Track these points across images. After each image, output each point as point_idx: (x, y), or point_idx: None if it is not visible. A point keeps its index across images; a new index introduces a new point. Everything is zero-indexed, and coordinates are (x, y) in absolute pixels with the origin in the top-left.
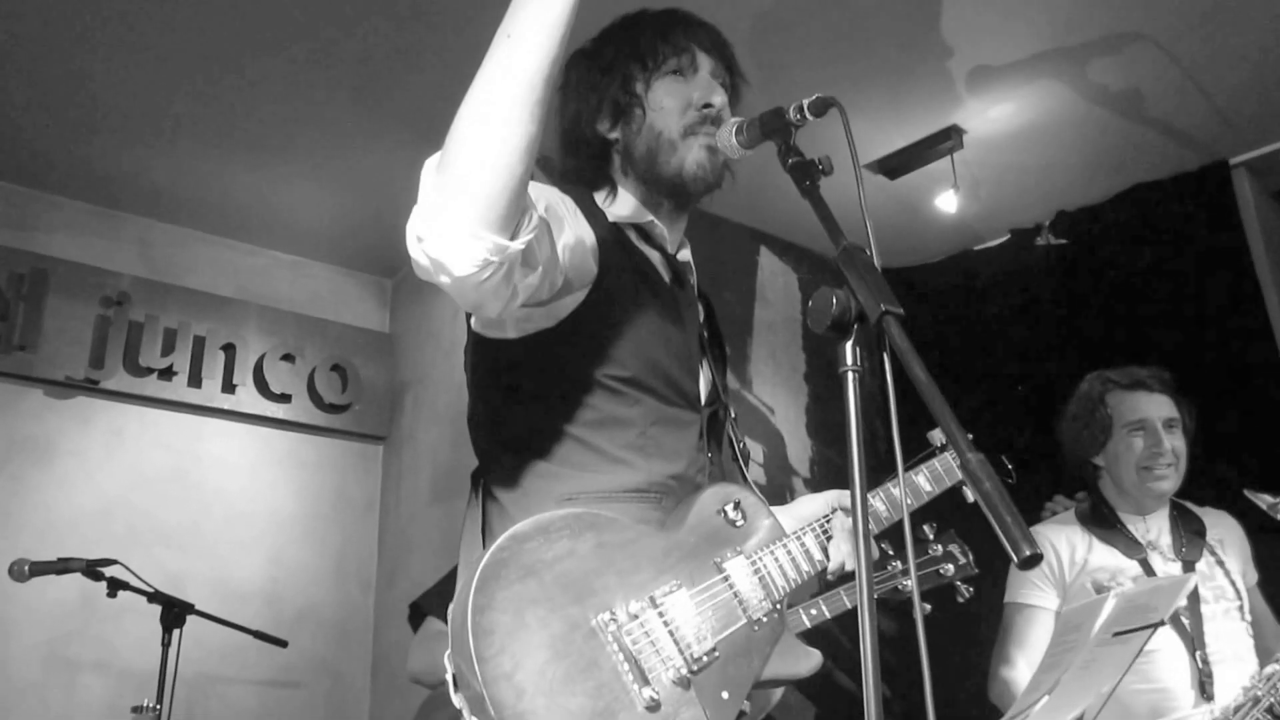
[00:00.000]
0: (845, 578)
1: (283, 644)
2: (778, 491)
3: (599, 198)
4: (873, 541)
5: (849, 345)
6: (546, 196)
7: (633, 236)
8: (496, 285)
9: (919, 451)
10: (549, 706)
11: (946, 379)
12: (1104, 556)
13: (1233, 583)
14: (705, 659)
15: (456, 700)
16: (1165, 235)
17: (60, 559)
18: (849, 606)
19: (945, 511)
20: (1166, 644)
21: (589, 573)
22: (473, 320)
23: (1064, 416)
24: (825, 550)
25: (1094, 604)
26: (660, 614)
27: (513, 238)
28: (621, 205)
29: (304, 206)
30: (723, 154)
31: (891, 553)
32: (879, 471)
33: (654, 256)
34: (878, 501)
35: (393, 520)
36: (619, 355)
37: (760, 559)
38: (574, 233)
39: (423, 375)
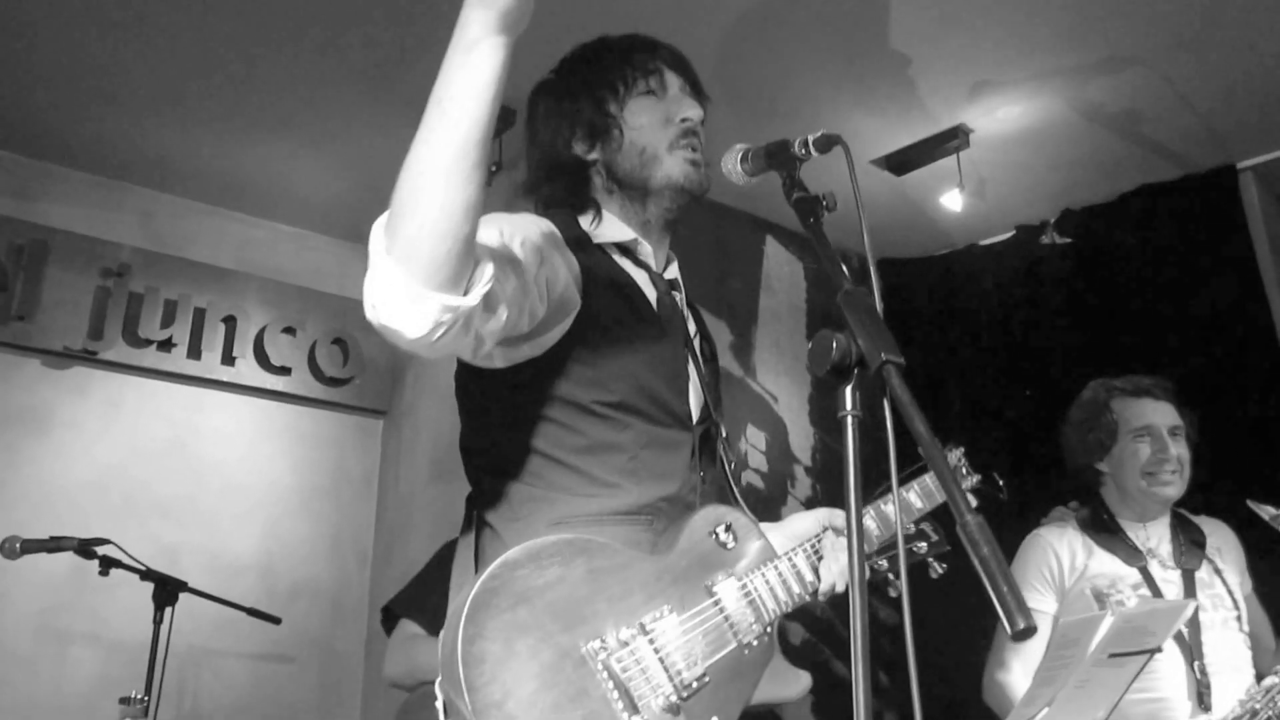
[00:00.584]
0: (836, 599)
1: (276, 620)
2: (779, 480)
3: (583, 220)
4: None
5: (848, 390)
6: (524, 230)
7: (618, 257)
8: (455, 338)
9: (910, 460)
10: None
11: (945, 373)
12: (1103, 563)
13: (1230, 592)
14: (695, 685)
15: None
16: (1171, 237)
17: (52, 538)
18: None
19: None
20: (1165, 653)
21: (580, 600)
22: None
23: (1067, 422)
24: (816, 571)
25: (1092, 620)
26: (650, 640)
27: (465, 293)
28: (606, 226)
29: (307, 179)
30: (703, 164)
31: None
32: (872, 485)
33: (640, 276)
34: (869, 520)
35: (391, 495)
36: (606, 381)
37: (751, 581)
38: (554, 264)
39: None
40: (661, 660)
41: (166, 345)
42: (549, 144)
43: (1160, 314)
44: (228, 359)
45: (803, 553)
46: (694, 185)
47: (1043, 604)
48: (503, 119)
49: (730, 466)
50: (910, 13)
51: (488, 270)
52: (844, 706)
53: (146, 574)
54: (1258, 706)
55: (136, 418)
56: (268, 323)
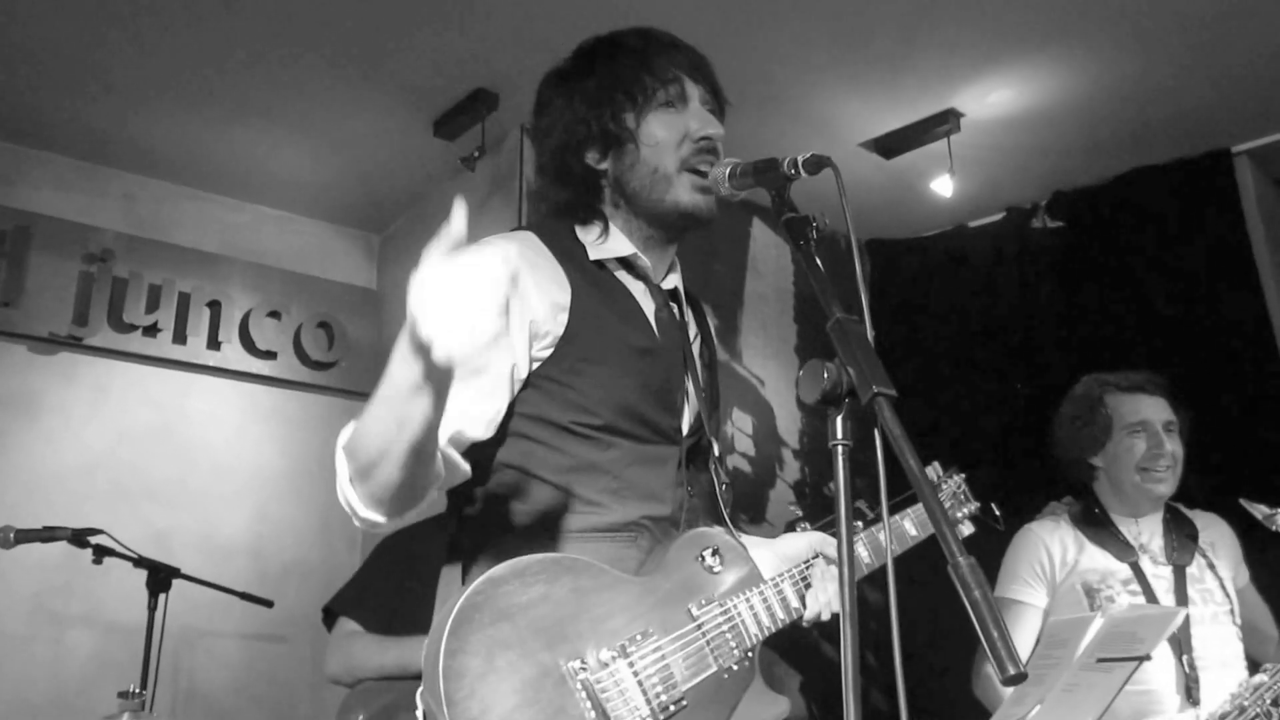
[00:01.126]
0: (823, 626)
1: (268, 604)
2: (767, 463)
3: (588, 233)
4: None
5: (839, 419)
6: (490, 331)
7: (616, 270)
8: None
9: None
10: None
11: (933, 355)
12: (1095, 558)
13: (1223, 586)
14: (673, 708)
15: None
16: (1164, 220)
17: (46, 528)
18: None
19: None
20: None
21: (563, 618)
22: None
23: (1060, 416)
24: (803, 598)
25: (1082, 621)
26: (630, 663)
27: (415, 509)
28: (612, 242)
29: (291, 162)
30: (715, 192)
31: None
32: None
33: (637, 288)
34: (861, 548)
35: None
36: (591, 404)
37: (735, 606)
38: (526, 314)
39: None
40: (640, 683)
41: (152, 330)
42: (560, 148)
43: (1152, 299)
44: (213, 343)
45: (789, 579)
46: (702, 214)
47: (1033, 598)
48: (485, 103)
49: (721, 487)
50: None
51: (439, 477)
52: (833, 679)
53: (139, 562)
54: (1246, 703)
55: (124, 403)
56: (253, 307)
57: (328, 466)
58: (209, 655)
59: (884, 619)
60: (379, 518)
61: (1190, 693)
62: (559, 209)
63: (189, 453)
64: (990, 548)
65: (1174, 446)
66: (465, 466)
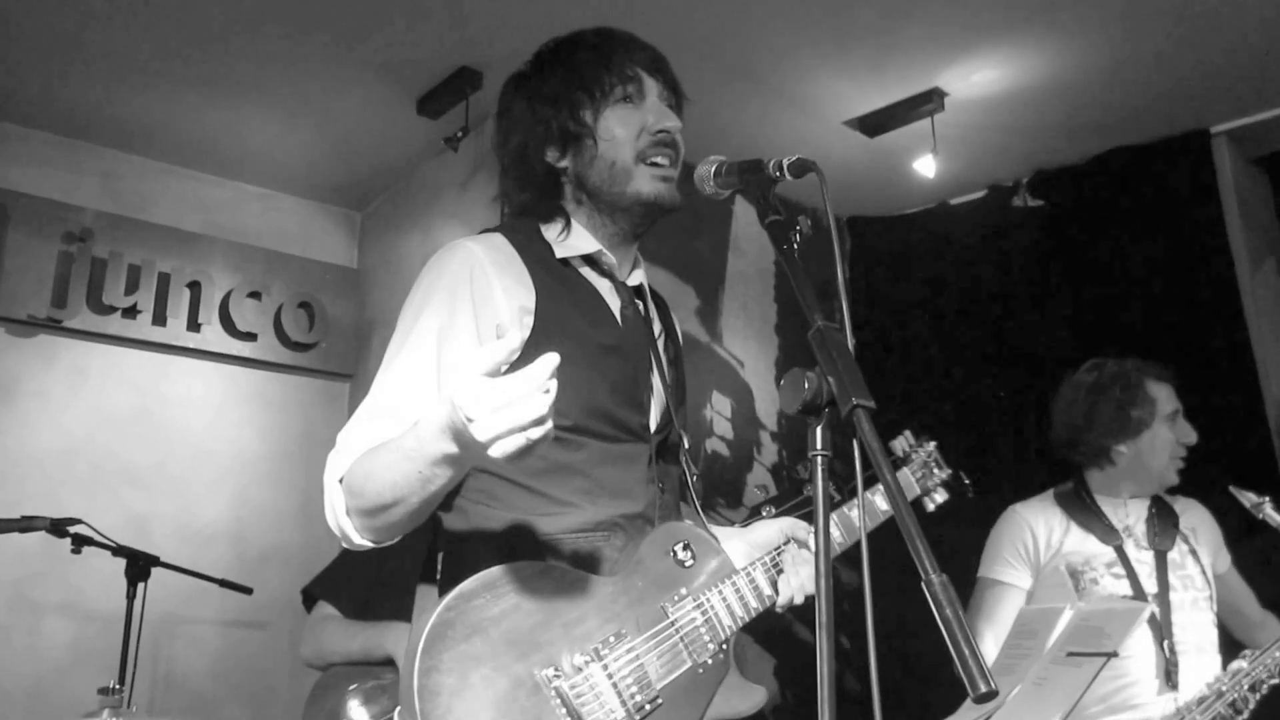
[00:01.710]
0: (797, 610)
1: (248, 591)
2: (745, 446)
3: (550, 231)
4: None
5: (819, 429)
6: (454, 308)
7: (580, 267)
8: None
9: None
10: None
11: (912, 332)
12: (1079, 541)
13: (1203, 572)
14: (649, 707)
15: None
16: (1142, 200)
17: (24, 517)
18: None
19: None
20: (1135, 633)
21: (534, 627)
22: None
23: (1089, 396)
24: (775, 584)
25: (1052, 612)
26: (604, 665)
27: None
28: (573, 237)
29: (273, 138)
30: (674, 179)
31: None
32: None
33: (603, 285)
34: (833, 529)
35: None
36: (561, 405)
37: (708, 599)
38: (492, 319)
39: (390, 316)
40: (615, 684)
41: (131, 312)
42: (520, 148)
43: (1129, 278)
44: (193, 325)
45: (761, 566)
46: (664, 202)
47: (1017, 579)
48: (469, 82)
49: (692, 479)
50: None
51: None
52: (804, 661)
53: (118, 550)
54: (1224, 688)
55: (103, 386)
56: (233, 287)
57: (309, 450)
58: (188, 642)
59: (857, 600)
60: (371, 543)
61: (1170, 676)
62: (523, 209)
63: (168, 436)
64: (968, 515)
65: None
66: None
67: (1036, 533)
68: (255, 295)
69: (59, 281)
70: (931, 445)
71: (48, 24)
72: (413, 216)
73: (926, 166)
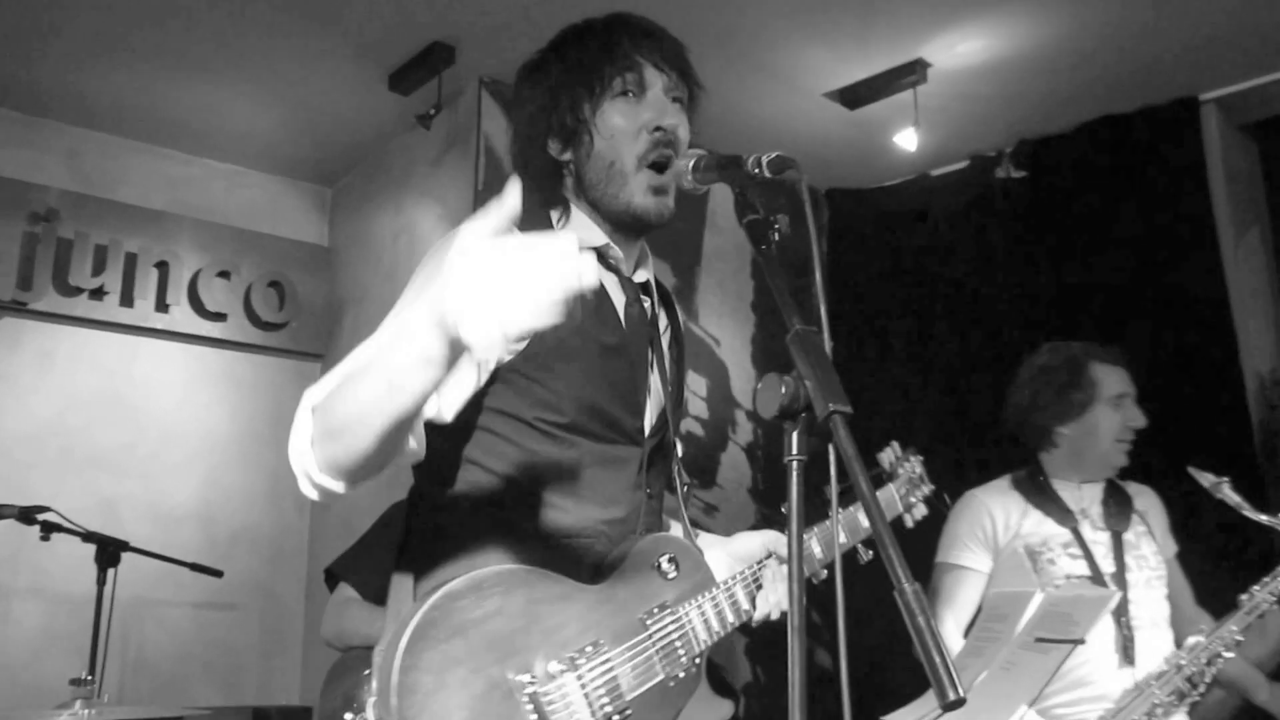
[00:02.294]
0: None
1: (218, 574)
2: (720, 426)
3: (555, 220)
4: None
5: (795, 434)
6: None
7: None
8: None
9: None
10: None
11: (892, 306)
12: (1036, 523)
13: (1157, 552)
14: (617, 717)
15: None
16: (1128, 169)
17: None
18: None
19: None
20: (1102, 618)
21: (515, 631)
22: None
23: (1035, 381)
24: (753, 600)
25: (1021, 596)
26: (578, 675)
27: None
28: (578, 229)
29: (241, 114)
30: (671, 193)
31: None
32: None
33: (609, 280)
34: (814, 543)
35: None
36: (556, 400)
37: (686, 613)
38: None
39: (362, 294)
40: (586, 694)
41: (98, 293)
42: (525, 138)
43: (1113, 248)
44: (161, 306)
45: (741, 582)
46: (652, 219)
47: (976, 563)
48: (441, 57)
49: (681, 489)
50: None
51: (408, 453)
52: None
53: (88, 536)
54: (1182, 662)
55: (70, 369)
56: (202, 266)
57: (279, 430)
58: (158, 624)
59: (827, 599)
60: (334, 485)
61: (1127, 653)
62: (531, 200)
63: (137, 419)
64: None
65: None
66: (422, 449)
67: (995, 516)
68: (224, 274)
69: (24, 263)
70: (918, 459)
71: (12, 4)
72: (385, 193)
73: (908, 140)
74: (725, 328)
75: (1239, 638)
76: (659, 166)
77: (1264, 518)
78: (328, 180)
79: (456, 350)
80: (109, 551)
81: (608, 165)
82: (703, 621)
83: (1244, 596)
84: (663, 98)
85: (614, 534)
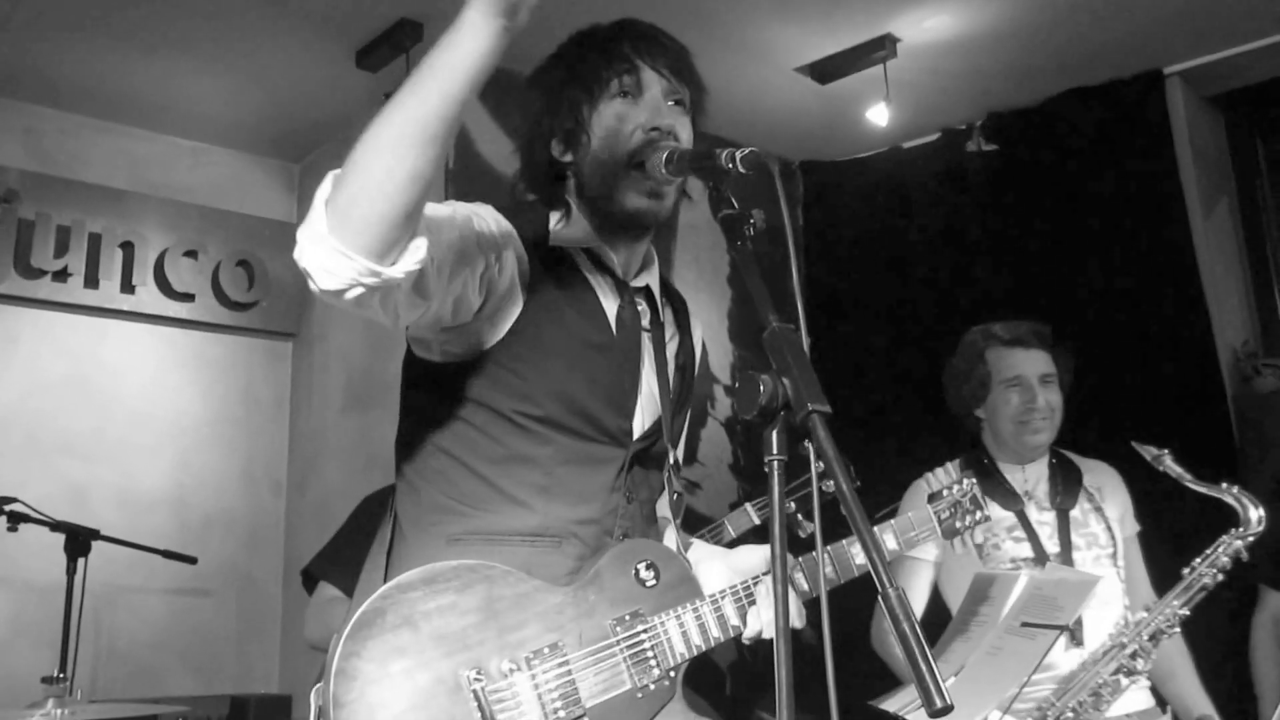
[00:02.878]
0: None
1: (192, 561)
2: (698, 401)
3: (553, 219)
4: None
5: (775, 433)
6: (479, 222)
7: (582, 262)
8: (368, 303)
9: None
10: None
11: (866, 276)
12: None
13: (1108, 529)
14: None
15: None
16: (1095, 142)
17: None
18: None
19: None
20: (1087, 603)
21: (468, 628)
22: (407, 335)
23: (947, 370)
24: (744, 615)
25: (1006, 579)
26: (532, 676)
27: (392, 264)
28: (573, 229)
29: (205, 91)
30: (664, 195)
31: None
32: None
33: (603, 283)
34: (827, 566)
35: (303, 422)
36: (534, 393)
37: (663, 623)
38: (505, 262)
39: None
40: (539, 696)
41: (62, 275)
42: (529, 139)
43: (1082, 221)
44: (127, 287)
45: (731, 596)
46: (645, 219)
47: (923, 552)
48: (409, 34)
49: (673, 498)
50: None
51: (420, 250)
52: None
53: (56, 526)
54: (1125, 640)
55: (35, 353)
56: (168, 246)
57: (251, 412)
58: (131, 612)
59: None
60: (342, 245)
61: (1074, 634)
62: (534, 200)
63: (105, 403)
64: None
65: (1050, 398)
66: (425, 248)
67: None
68: (191, 254)
69: None
70: (970, 483)
71: None
72: None
73: (879, 115)
74: (701, 303)
75: (1182, 612)
76: (649, 174)
77: (1203, 488)
78: (295, 156)
79: (480, 7)
80: (79, 540)
81: (601, 165)
82: (681, 633)
83: (1186, 570)
84: (660, 99)
85: (586, 535)
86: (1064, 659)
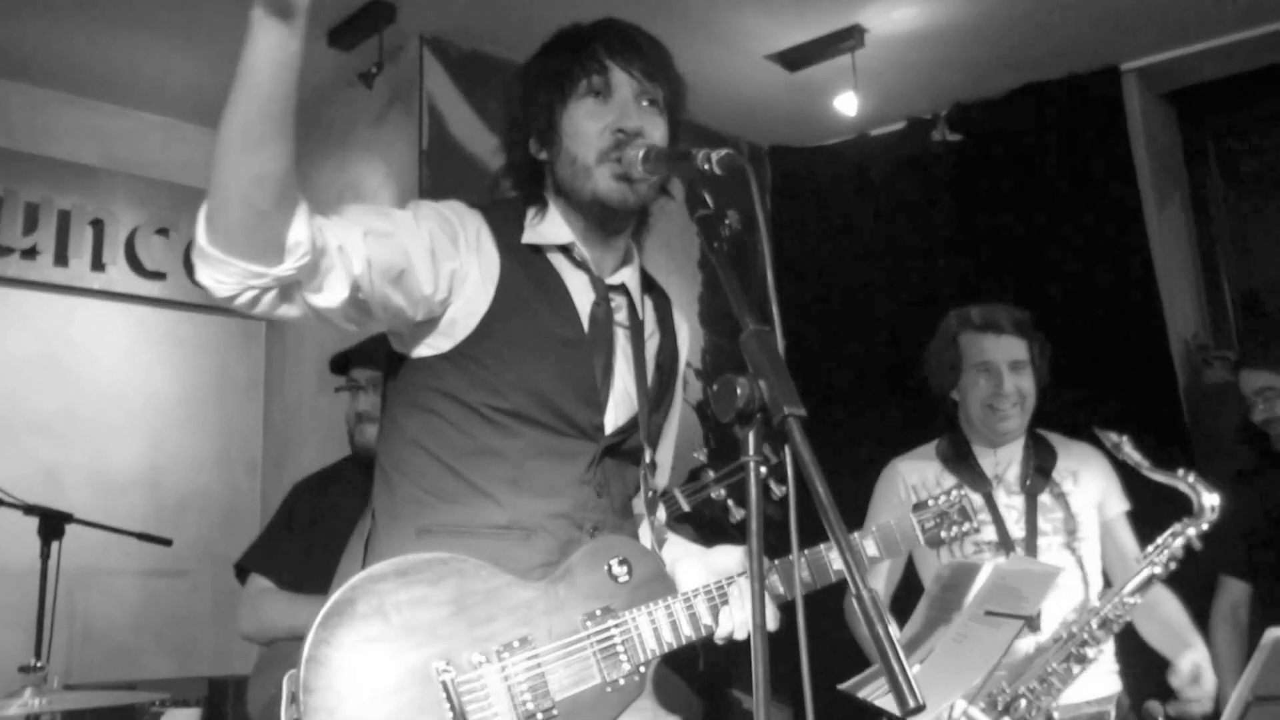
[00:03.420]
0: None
1: (167, 542)
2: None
3: (528, 215)
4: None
5: (751, 435)
6: (431, 221)
7: (555, 258)
8: (274, 305)
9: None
10: None
11: (836, 257)
12: None
13: (1074, 515)
14: (541, 716)
15: (289, 717)
16: (1054, 135)
17: None
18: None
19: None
20: (1050, 594)
21: (438, 620)
22: (386, 330)
23: (928, 347)
24: (716, 615)
25: (971, 567)
26: (501, 667)
27: (277, 263)
28: (548, 226)
29: (175, 66)
30: (633, 179)
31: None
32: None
33: (576, 279)
34: (804, 570)
35: (278, 400)
36: (502, 387)
37: (634, 619)
38: (456, 263)
39: None
40: (509, 688)
41: (31, 253)
42: (508, 137)
43: (1041, 212)
44: (98, 265)
45: (704, 595)
46: (615, 203)
47: None
48: (382, 15)
49: (648, 494)
50: None
51: (300, 246)
52: None
53: (29, 510)
54: (1075, 630)
55: (4, 332)
56: (139, 224)
57: (225, 391)
58: (106, 595)
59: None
60: (220, 252)
61: (1030, 621)
62: (512, 196)
63: (76, 382)
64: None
65: (1020, 384)
66: (305, 242)
67: (911, 486)
68: (163, 232)
69: None
70: (959, 494)
71: None
72: (326, 148)
73: (847, 104)
74: (672, 286)
75: (1131, 600)
76: (618, 164)
77: (1160, 475)
78: None
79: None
80: (53, 524)
81: (572, 161)
82: (652, 629)
83: (1138, 558)
84: (630, 101)
85: (555, 528)
86: (1019, 645)
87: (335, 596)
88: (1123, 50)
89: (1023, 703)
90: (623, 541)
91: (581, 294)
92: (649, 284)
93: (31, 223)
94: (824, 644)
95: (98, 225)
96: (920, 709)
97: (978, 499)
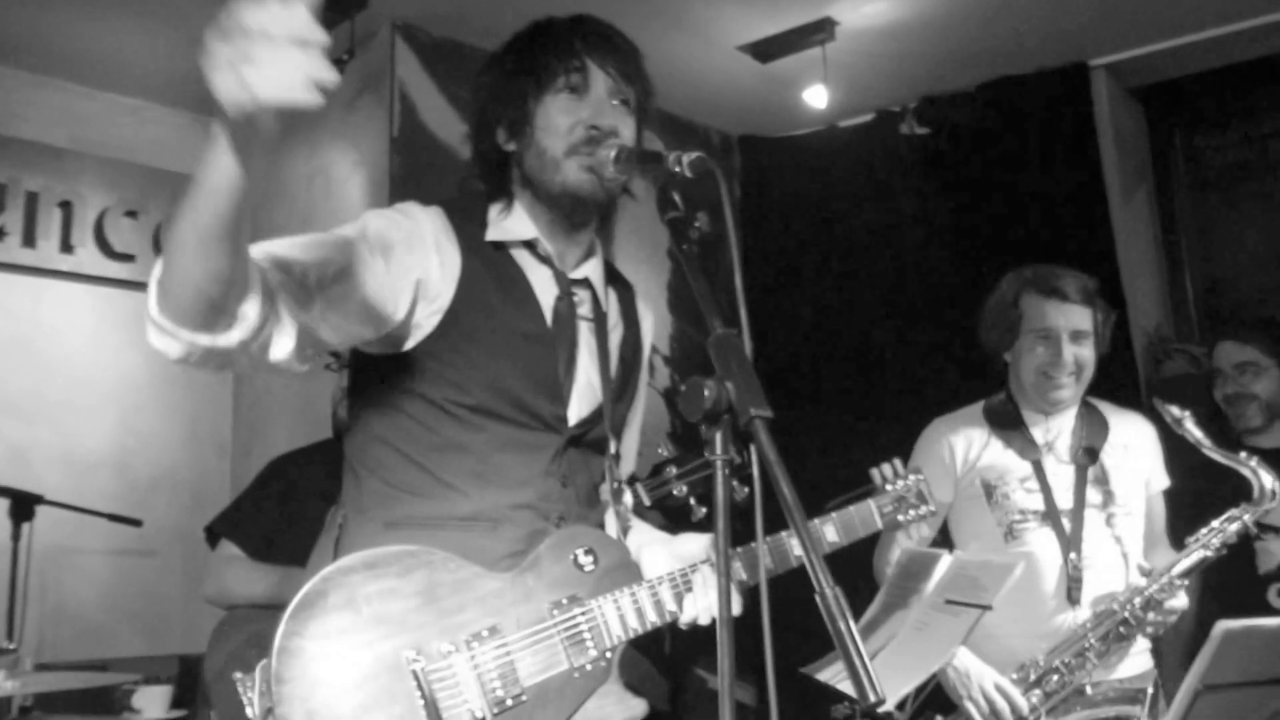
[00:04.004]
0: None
1: (137, 523)
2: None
3: (492, 211)
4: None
5: (719, 435)
6: (390, 232)
7: (518, 254)
8: (224, 364)
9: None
10: None
11: (805, 247)
12: (997, 455)
13: (1122, 489)
14: (511, 703)
15: (261, 706)
16: (1022, 129)
17: None
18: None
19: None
20: (1043, 545)
21: (408, 610)
22: None
23: (984, 307)
24: (680, 601)
25: (931, 556)
26: (471, 656)
27: (223, 332)
28: (512, 221)
29: (145, 47)
30: (602, 174)
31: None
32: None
33: (539, 274)
34: (766, 559)
35: (248, 382)
36: (465, 382)
37: (600, 606)
38: (408, 265)
39: (273, 234)
40: (479, 676)
41: None
42: (476, 128)
43: (1007, 206)
44: (66, 247)
45: (669, 582)
46: (585, 194)
47: (938, 493)
48: (355, 3)
49: (613, 485)
50: None
51: (248, 319)
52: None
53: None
54: (1116, 608)
55: None
56: (108, 206)
57: (194, 373)
58: (77, 574)
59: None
60: (170, 324)
61: (1071, 593)
62: (478, 188)
63: (45, 364)
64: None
65: (1080, 353)
66: (255, 313)
67: (955, 447)
68: (132, 214)
69: None
70: (916, 478)
71: None
72: (296, 133)
73: (817, 97)
74: (641, 274)
75: (1179, 583)
76: (592, 155)
77: (1220, 456)
78: None
79: (229, 124)
80: (23, 505)
81: (541, 153)
82: (618, 616)
83: (1190, 540)
84: (604, 98)
85: (521, 519)
86: (1059, 619)
87: (306, 589)
88: (1092, 46)
89: (1055, 677)
90: (588, 531)
91: (545, 289)
92: (612, 276)
93: None
94: (788, 630)
95: (66, 207)
96: (880, 703)
97: (1025, 467)
